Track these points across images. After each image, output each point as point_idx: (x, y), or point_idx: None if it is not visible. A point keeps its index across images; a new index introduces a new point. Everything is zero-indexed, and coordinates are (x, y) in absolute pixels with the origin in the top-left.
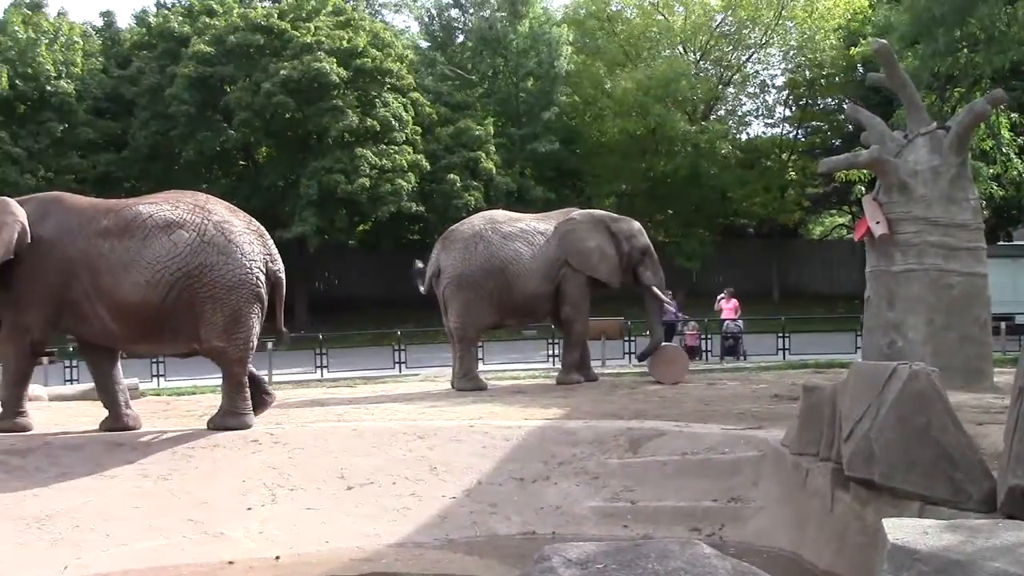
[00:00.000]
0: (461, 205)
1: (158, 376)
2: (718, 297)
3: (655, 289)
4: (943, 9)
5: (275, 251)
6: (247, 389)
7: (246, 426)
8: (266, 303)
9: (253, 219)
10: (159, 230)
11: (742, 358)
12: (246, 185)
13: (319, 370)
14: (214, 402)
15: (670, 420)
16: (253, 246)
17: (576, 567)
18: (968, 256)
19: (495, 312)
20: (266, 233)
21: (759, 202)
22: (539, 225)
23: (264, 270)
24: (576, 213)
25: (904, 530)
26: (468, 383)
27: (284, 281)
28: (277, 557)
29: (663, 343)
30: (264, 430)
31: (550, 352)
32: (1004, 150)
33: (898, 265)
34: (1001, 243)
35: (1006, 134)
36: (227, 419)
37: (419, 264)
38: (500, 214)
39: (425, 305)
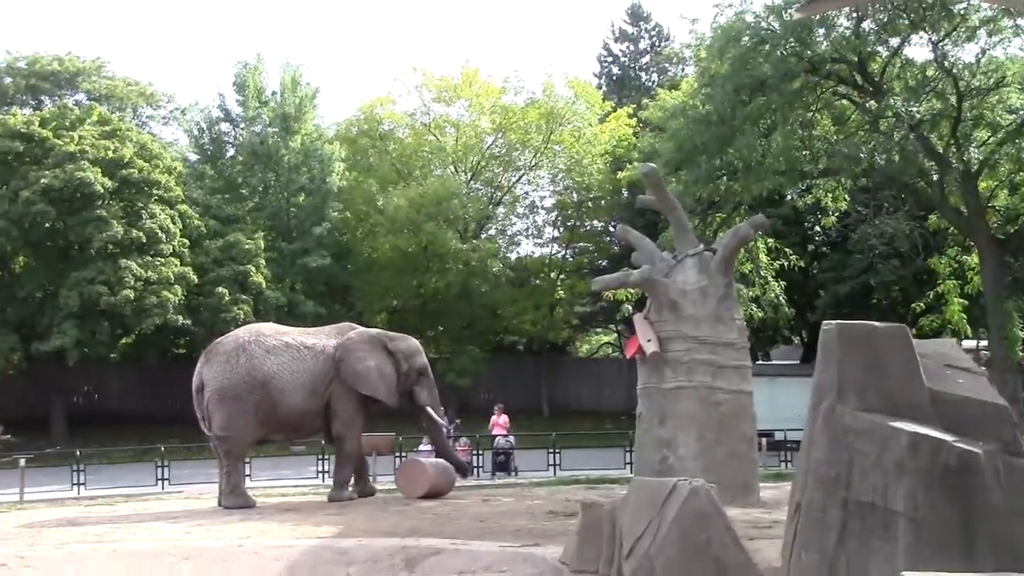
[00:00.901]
0: (230, 319)
1: None
2: (492, 414)
3: (429, 409)
4: (704, 139)
5: None
6: None
7: None
8: None
9: None
10: None
11: (513, 474)
12: (2, 296)
13: (76, 487)
14: None
15: (446, 537)
16: None
17: None
18: (735, 374)
19: (260, 426)
20: None
21: (529, 319)
22: (307, 340)
23: None
24: (353, 332)
25: None
26: (235, 500)
27: None
28: None
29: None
30: (13, 553)
31: (320, 468)
32: (762, 273)
33: (669, 382)
34: (760, 362)
35: (764, 258)
36: None
37: None
38: (266, 327)
39: (191, 420)
